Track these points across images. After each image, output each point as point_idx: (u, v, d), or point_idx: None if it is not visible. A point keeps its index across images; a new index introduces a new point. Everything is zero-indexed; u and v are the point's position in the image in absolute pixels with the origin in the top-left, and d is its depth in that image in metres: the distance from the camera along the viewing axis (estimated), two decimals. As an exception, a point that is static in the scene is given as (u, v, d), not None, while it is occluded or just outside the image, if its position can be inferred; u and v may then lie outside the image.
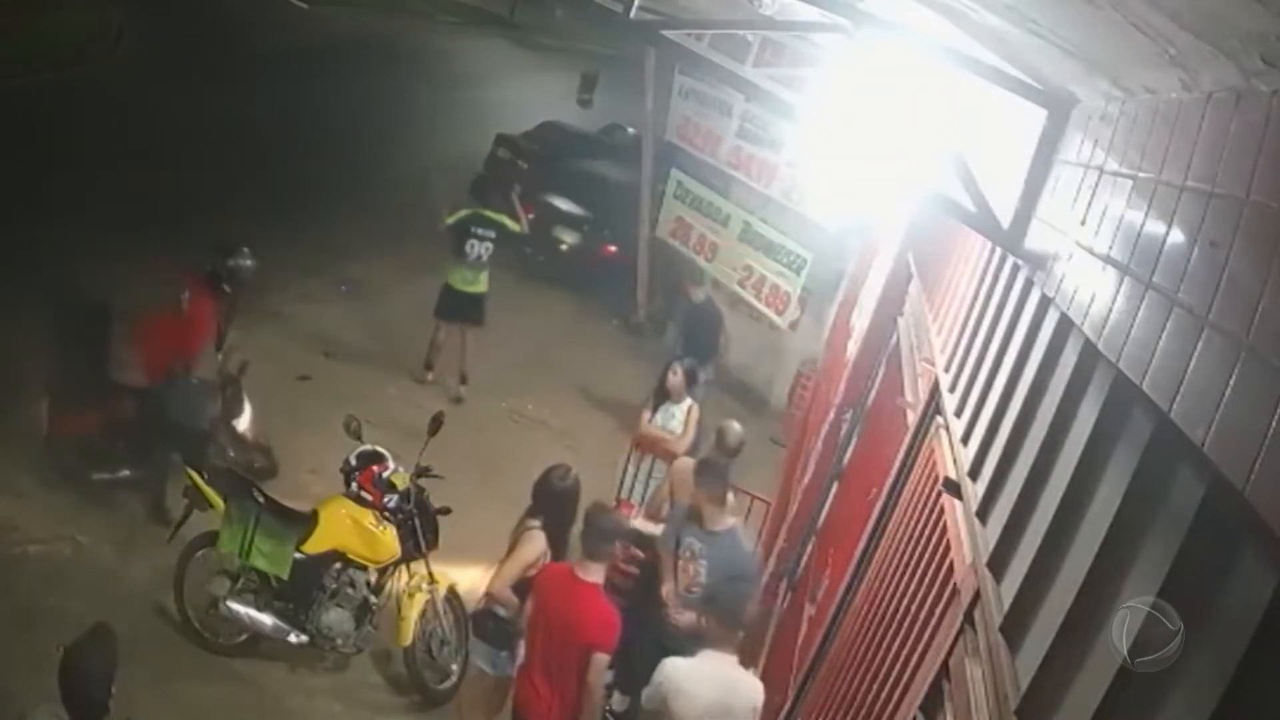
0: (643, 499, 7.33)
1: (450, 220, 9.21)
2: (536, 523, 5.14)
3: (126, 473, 6.68)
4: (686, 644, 4.80)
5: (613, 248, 12.77)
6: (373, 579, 5.89)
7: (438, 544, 5.93)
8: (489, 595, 5.13)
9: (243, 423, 7.07)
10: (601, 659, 4.62)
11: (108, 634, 3.46)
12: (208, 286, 6.94)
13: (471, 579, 6.39)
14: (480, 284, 9.34)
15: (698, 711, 4.40)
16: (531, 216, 10.14)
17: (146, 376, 6.73)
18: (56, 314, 6.95)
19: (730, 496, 6.21)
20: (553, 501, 5.20)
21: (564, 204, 13.47)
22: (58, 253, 9.29)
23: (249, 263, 7.11)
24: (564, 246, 13.20)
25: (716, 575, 5.33)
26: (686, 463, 6.28)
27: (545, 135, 16.00)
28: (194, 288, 6.84)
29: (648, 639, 5.41)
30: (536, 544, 5.08)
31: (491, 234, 9.21)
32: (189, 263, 7.16)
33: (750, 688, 4.55)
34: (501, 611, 5.15)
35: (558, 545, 5.18)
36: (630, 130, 16.62)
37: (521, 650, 5.11)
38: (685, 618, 5.27)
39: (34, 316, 8.09)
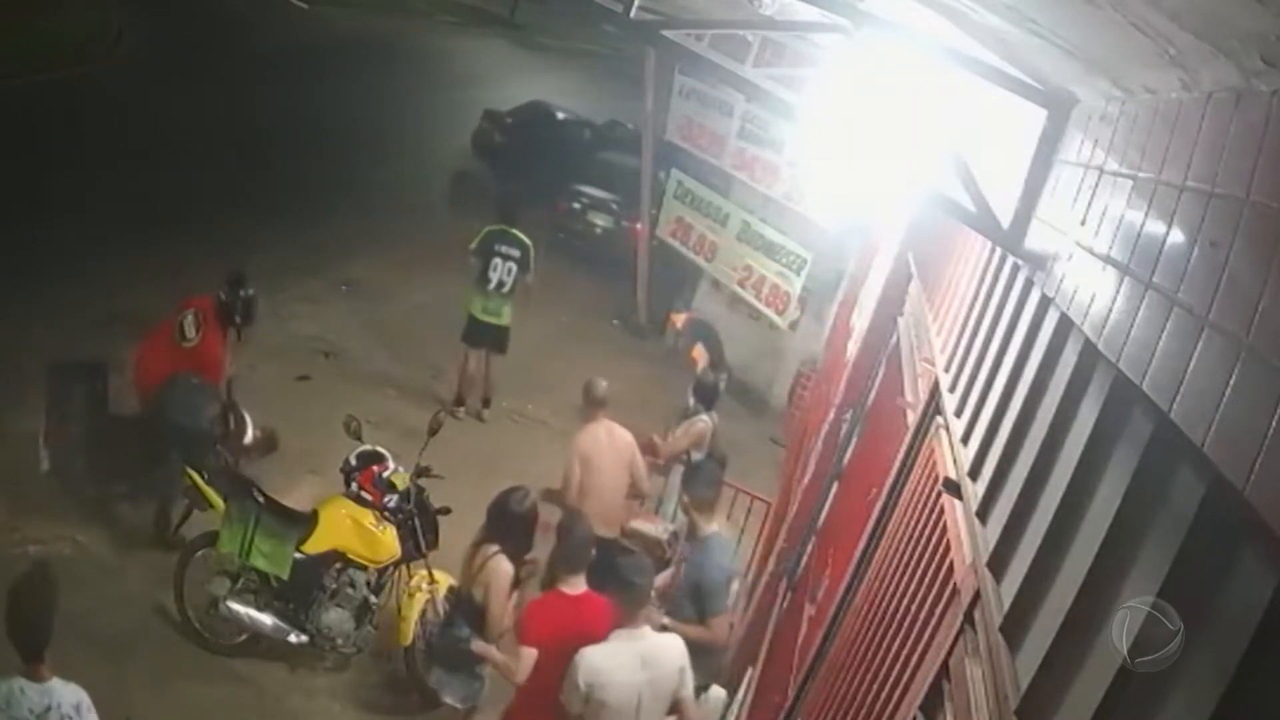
0: (642, 501, 7.36)
1: (474, 245, 8.96)
2: (495, 547, 5.02)
3: (123, 488, 6.60)
4: None
5: (639, 225, 13.02)
6: (373, 579, 5.89)
7: (438, 544, 5.93)
8: (505, 668, 4.74)
9: (247, 437, 6.98)
10: None
11: (44, 570, 3.70)
12: (219, 318, 6.77)
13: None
14: (503, 317, 9.07)
15: (626, 696, 4.38)
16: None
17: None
18: (54, 359, 6.78)
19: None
20: (511, 525, 5.07)
21: (594, 190, 14.54)
22: (58, 252, 9.31)
23: (256, 293, 6.96)
24: (599, 230, 14.26)
25: (691, 580, 5.34)
26: (587, 434, 6.45)
27: (527, 112, 17.65)
28: (206, 320, 6.69)
29: None
30: (507, 572, 4.96)
31: (516, 253, 8.88)
32: (199, 290, 6.97)
33: (670, 653, 4.55)
34: (466, 633, 5.01)
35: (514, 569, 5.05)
36: (630, 126, 16.94)
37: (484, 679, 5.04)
38: (653, 619, 5.11)
39: (33, 315, 8.11)
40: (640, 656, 4.44)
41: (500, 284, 8.91)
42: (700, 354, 9.76)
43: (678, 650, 4.59)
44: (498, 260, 8.87)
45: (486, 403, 9.36)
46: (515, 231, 9.00)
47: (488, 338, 9.13)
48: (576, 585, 4.69)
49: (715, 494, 5.62)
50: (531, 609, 4.73)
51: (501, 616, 4.92)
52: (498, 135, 16.89)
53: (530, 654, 4.52)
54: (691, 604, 5.30)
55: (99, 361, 6.76)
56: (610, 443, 6.49)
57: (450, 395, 9.29)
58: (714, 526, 5.59)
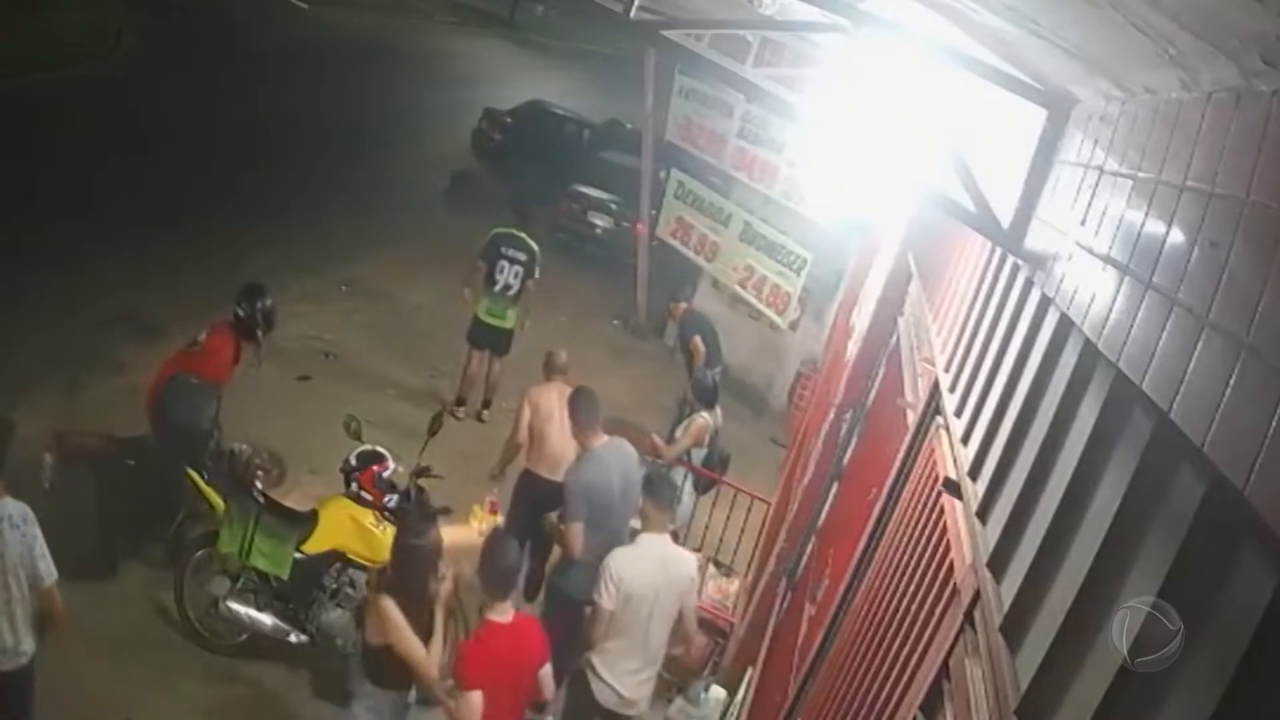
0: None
1: (481, 248, 9.02)
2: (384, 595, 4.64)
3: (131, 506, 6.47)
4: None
5: (641, 225, 12.94)
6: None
7: (438, 544, 5.92)
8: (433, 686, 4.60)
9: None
10: (548, 669, 4.63)
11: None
12: (234, 330, 6.74)
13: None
14: (507, 320, 9.08)
15: (646, 589, 5.03)
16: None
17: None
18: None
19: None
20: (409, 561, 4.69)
21: (593, 191, 14.52)
22: (58, 252, 9.31)
23: (274, 302, 6.96)
24: (598, 230, 14.28)
25: (570, 494, 5.67)
26: (541, 389, 6.98)
27: (526, 111, 17.69)
28: (216, 327, 6.69)
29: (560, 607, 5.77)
30: (391, 609, 4.55)
31: (523, 257, 8.92)
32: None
33: (686, 560, 5.33)
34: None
35: (416, 610, 4.61)
36: (629, 126, 16.95)
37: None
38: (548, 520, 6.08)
39: (33, 315, 8.11)
40: (660, 559, 5.14)
41: (506, 287, 8.94)
42: (699, 346, 9.79)
43: (690, 561, 5.38)
44: (504, 263, 8.90)
45: (487, 404, 9.37)
46: (522, 235, 9.02)
47: (491, 339, 9.15)
48: (505, 613, 4.48)
49: (594, 419, 5.95)
50: (465, 651, 4.50)
51: (421, 659, 4.56)
52: (497, 135, 16.94)
53: (476, 696, 4.33)
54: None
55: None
56: (561, 401, 6.77)
57: (451, 395, 9.30)
58: (602, 438, 5.93)
